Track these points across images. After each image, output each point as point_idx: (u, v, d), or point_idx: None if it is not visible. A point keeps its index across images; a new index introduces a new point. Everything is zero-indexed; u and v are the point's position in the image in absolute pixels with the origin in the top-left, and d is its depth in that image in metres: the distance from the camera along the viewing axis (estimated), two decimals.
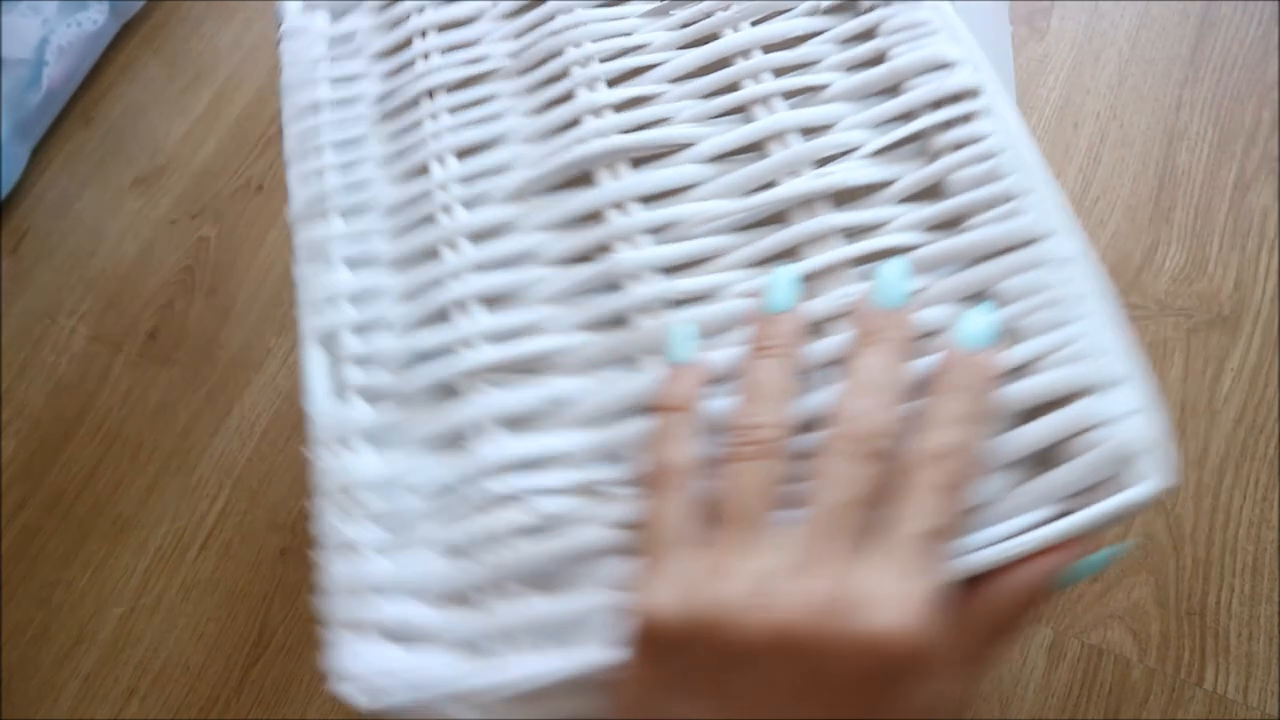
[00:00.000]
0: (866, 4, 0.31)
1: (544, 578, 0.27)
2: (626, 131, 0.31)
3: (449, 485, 0.29)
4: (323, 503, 0.30)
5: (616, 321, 0.29)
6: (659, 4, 0.33)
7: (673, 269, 0.29)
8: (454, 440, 0.30)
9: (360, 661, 0.27)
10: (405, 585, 0.28)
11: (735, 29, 0.32)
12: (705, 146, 0.30)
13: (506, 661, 0.26)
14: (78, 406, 0.63)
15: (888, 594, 0.22)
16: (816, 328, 0.27)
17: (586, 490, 0.28)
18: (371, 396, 0.31)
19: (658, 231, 0.30)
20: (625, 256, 0.30)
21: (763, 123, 0.30)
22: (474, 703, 0.26)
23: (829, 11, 0.32)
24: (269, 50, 0.73)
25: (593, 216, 0.31)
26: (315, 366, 0.32)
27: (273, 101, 0.70)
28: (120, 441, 0.61)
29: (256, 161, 0.69)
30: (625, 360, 0.29)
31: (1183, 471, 0.43)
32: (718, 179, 0.30)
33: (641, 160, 0.31)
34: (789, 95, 0.31)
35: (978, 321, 0.26)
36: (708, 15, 0.32)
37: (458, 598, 0.28)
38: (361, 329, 0.32)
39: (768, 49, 0.31)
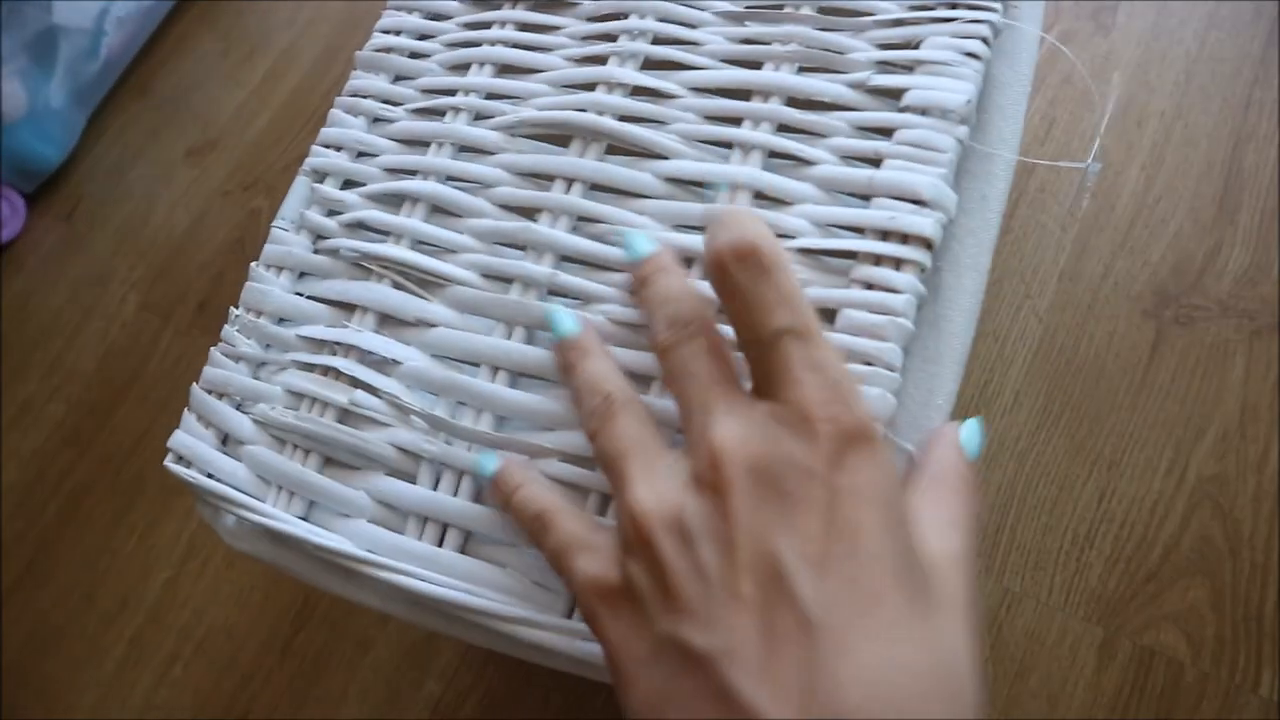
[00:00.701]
0: (911, 103, 0.28)
1: (329, 453, 0.31)
2: (621, 118, 0.31)
3: (318, 341, 0.32)
4: (238, 313, 0.34)
5: (506, 280, 0.31)
6: (740, 8, 0.32)
7: (566, 258, 0.30)
8: (344, 307, 0.33)
9: (187, 445, 0.33)
10: (249, 404, 0.33)
11: (777, 68, 0.30)
12: (671, 165, 0.30)
13: (266, 496, 0.31)
14: (127, 373, 0.64)
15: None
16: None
17: (398, 407, 0.30)
18: (315, 239, 0.34)
19: (581, 220, 0.31)
20: (540, 229, 0.31)
21: (727, 169, 0.29)
22: (234, 517, 0.32)
23: (872, 91, 0.29)
24: (323, 26, 0.73)
25: (546, 177, 0.32)
26: (295, 195, 0.36)
27: (326, 77, 0.70)
28: (168, 409, 0.62)
29: (309, 136, 0.69)
30: (494, 318, 0.31)
31: (1243, 475, 0.42)
32: (661, 200, 0.30)
33: (616, 150, 0.31)
34: (773, 154, 0.29)
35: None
36: (766, 43, 0.31)
37: (274, 431, 0.32)
38: (346, 182, 0.35)
39: (790, 102, 0.30)
